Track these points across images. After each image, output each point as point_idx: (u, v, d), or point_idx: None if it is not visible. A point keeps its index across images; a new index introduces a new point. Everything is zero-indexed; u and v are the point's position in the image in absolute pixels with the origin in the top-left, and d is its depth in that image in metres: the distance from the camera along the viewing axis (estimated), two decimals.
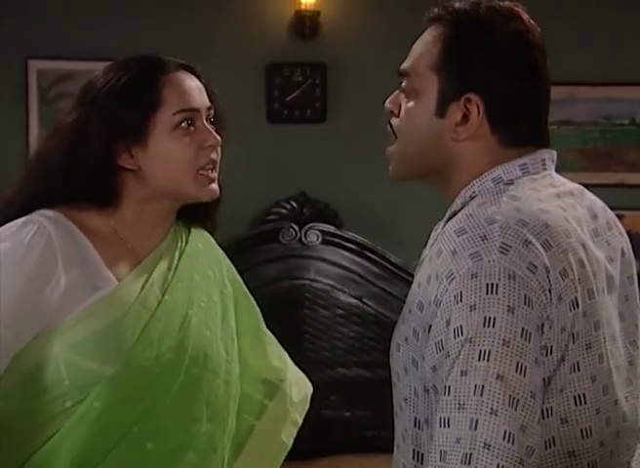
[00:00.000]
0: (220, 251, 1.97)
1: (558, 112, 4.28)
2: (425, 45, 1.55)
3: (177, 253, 1.83)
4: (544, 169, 1.54)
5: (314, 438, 3.95)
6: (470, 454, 1.31)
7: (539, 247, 1.40)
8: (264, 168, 4.28)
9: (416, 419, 1.50)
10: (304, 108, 4.28)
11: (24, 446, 1.68)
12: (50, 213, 1.72)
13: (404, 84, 1.58)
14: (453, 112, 1.51)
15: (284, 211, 4.21)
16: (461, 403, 1.34)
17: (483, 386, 1.33)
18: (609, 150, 4.36)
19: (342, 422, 4.00)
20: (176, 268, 1.81)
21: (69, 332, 1.66)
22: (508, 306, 1.36)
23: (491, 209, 1.45)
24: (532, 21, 1.55)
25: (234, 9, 4.21)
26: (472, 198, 1.51)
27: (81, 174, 1.72)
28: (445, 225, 1.52)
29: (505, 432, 1.32)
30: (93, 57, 3.82)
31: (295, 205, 4.21)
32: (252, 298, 1.99)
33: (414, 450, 1.51)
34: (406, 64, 1.57)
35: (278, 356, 1.99)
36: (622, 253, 1.57)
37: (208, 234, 1.95)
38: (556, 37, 4.14)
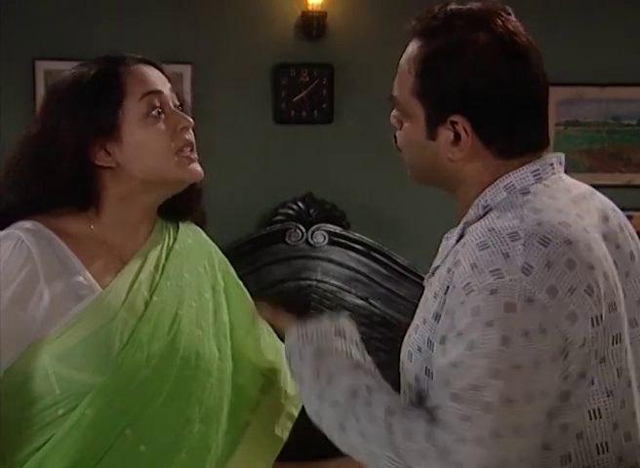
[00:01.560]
0: (212, 243, 1.93)
1: (566, 113, 4.27)
2: (405, 67, 1.54)
3: (164, 252, 1.80)
4: (554, 173, 1.53)
5: (322, 440, 3.94)
6: None
7: (562, 266, 1.39)
8: (271, 168, 4.27)
9: None
10: (311, 109, 4.27)
11: (16, 454, 1.67)
12: (28, 224, 1.69)
13: (394, 111, 1.57)
14: (443, 134, 1.51)
15: (291, 211, 4.20)
16: (468, 415, 1.33)
17: (491, 403, 1.33)
18: (617, 151, 4.35)
19: None
20: (163, 268, 1.78)
21: (56, 343, 1.65)
22: (524, 329, 1.35)
23: (513, 223, 1.43)
24: (510, 24, 1.50)
25: (241, 9, 4.20)
26: (485, 208, 1.50)
27: (55, 179, 1.69)
28: (460, 236, 1.50)
29: (501, 458, 1.32)
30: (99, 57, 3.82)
31: (301, 206, 4.21)
32: (245, 290, 1.95)
33: None
34: (394, 92, 1.56)
35: (273, 348, 1.94)
36: (632, 257, 1.55)
37: (197, 228, 1.92)
38: (564, 38, 4.15)
